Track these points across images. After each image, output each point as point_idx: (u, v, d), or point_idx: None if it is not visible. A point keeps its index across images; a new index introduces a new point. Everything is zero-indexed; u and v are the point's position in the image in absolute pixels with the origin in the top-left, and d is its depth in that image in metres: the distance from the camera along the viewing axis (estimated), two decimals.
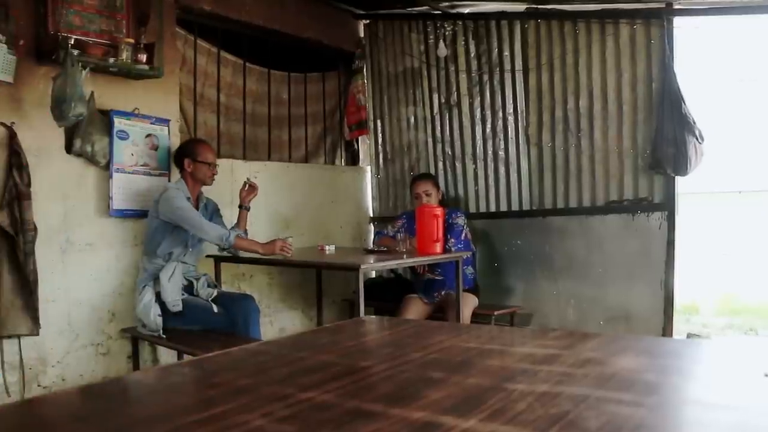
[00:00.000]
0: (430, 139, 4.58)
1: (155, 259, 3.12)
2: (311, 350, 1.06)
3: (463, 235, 3.68)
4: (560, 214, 3.99)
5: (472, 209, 4.37)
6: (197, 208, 3.24)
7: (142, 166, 3.37)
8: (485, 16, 4.23)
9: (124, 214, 3.31)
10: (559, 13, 3.90)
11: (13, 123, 2.89)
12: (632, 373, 0.84)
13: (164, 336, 3.01)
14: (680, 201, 3.64)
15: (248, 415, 0.68)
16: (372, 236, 4.72)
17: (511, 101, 4.17)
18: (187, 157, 3.20)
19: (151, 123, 3.41)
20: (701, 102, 3.66)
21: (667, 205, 3.59)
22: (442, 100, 4.49)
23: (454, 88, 4.41)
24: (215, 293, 3.19)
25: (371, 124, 4.90)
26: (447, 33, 4.42)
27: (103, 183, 3.25)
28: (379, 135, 4.90)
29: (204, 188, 3.32)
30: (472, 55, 4.31)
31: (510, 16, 4.12)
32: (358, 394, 0.77)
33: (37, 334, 2.94)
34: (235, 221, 3.44)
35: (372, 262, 3.09)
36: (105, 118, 3.21)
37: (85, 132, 3.09)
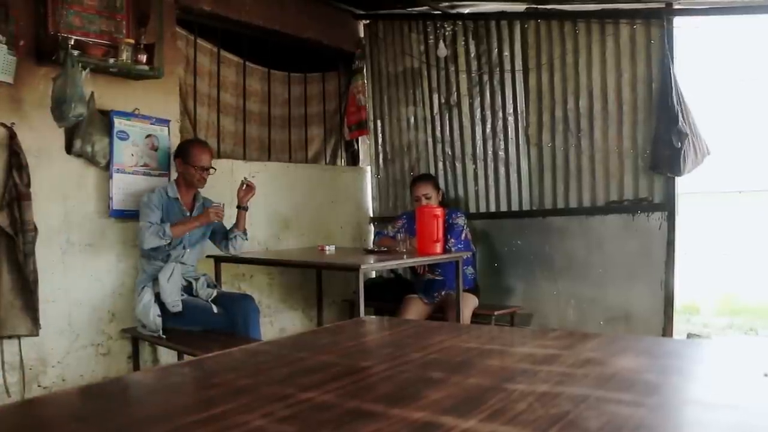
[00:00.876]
0: (430, 140, 4.58)
1: (154, 260, 3.13)
2: (311, 350, 1.06)
3: (463, 235, 3.68)
4: (560, 214, 3.99)
5: (472, 209, 4.37)
6: (193, 208, 3.24)
7: (142, 166, 3.37)
8: (485, 17, 4.24)
9: (124, 215, 3.31)
10: (559, 13, 3.90)
11: (13, 123, 2.89)
12: (632, 374, 0.84)
13: (164, 336, 3.01)
14: (680, 201, 3.65)
15: (248, 416, 0.68)
16: (372, 236, 4.73)
17: (511, 101, 4.17)
18: (178, 158, 3.22)
19: (151, 123, 3.41)
20: (701, 102, 3.66)
21: (667, 205, 3.59)
22: (442, 101, 4.49)
23: (454, 89, 4.41)
24: (215, 293, 3.19)
25: (371, 125, 4.90)
26: (447, 33, 4.42)
27: (103, 183, 3.25)
28: (379, 135, 4.90)
29: (204, 189, 3.32)
30: (472, 55, 4.31)
31: (510, 17, 4.12)
32: (358, 394, 0.77)
33: (37, 335, 2.95)
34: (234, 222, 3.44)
35: (372, 262, 3.09)
36: (105, 119, 3.21)
37: (85, 132, 3.09)
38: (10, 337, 2.90)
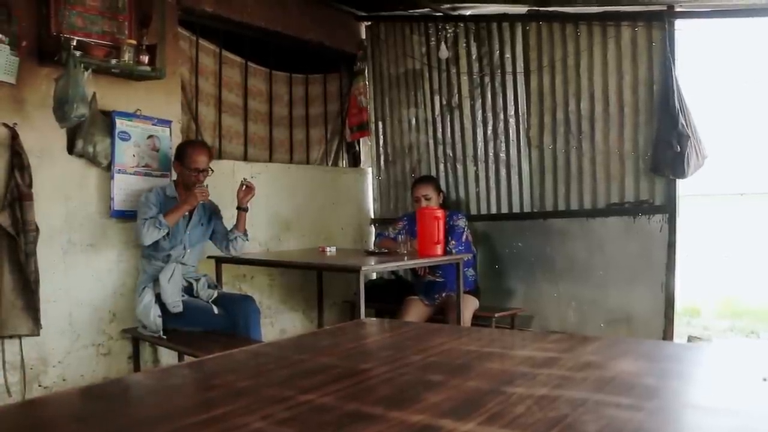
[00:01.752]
0: (431, 141, 4.58)
1: (154, 261, 3.13)
2: (312, 352, 1.06)
3: (464, 237, 3.68)
4: (561, 216, 3.99)
5: (473, 211, 4.37)
6: (193, 209, 3.23)
7: (143, 167, 3.37)
8: (486, 19, 4.24)
9: (125, 215, 3.31)
10: (561, 15, 3.90)
11: (15, 124, 2.89)
12: (632, 377, 0.84)
13: (165, 337, 3.01)
14: (681, 203, 3.64)
15: (248, 417, 0.68)
16: (373, 238, 4.73)
17: (513, 103, 4.18)
18: (175, 159, 3.23)
19: (153, 124, 3.42)
20: (703, 105, 3.65)
21: (668, 208, 3.59)
22: (444, 102, 4.50)
23: (456, 90, 4.41)
24: (215, 294, 3.19)
25: (373, 126, 4.91)
26: (448, 35, 4.42)
27: (105, 184, 3.25)
28: (381, 137, 4.90)
29: None
30: (474, 57, 4.31)
31: (511, 19, 4.13)
32: (358, 396, 0.77)
33: (38, 335, 2.95)
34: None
35: (373, 263, 3.09)
36: (107, 119, 3.21)
37: (87, 133, 3.10)
38: (11, 337, 2.90)
